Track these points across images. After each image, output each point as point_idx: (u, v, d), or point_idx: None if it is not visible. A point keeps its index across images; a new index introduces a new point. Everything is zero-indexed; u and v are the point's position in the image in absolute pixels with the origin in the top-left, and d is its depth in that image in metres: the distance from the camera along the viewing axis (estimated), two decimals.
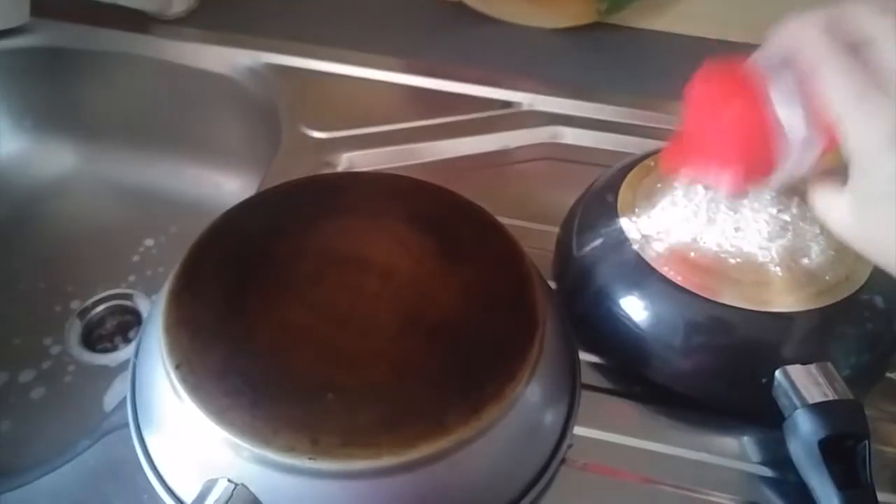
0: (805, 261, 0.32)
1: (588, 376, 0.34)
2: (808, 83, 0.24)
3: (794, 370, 0.29)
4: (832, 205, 0.25)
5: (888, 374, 0.34)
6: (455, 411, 0.25)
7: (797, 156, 0.26)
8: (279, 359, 0.27)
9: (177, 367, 0.26)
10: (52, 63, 0.54)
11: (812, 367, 0.29)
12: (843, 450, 0.28)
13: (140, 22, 0.54)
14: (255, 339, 0.28)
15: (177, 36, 0.54)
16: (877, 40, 0.22)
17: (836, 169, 0.25)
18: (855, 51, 0.23)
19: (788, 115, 0.25)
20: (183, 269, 0.30)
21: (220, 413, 0.25)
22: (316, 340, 0.28)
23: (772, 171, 0.27)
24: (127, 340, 0.49)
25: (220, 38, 0.53)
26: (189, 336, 0.27)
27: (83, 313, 0.49)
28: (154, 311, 0.29)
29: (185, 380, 0.26)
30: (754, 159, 0.27)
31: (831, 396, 0.28)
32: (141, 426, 0.28)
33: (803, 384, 0.29)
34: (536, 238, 0.40)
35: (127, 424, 0.28)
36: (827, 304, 0.31)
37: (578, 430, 0.31)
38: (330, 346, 0.28)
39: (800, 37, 0.24)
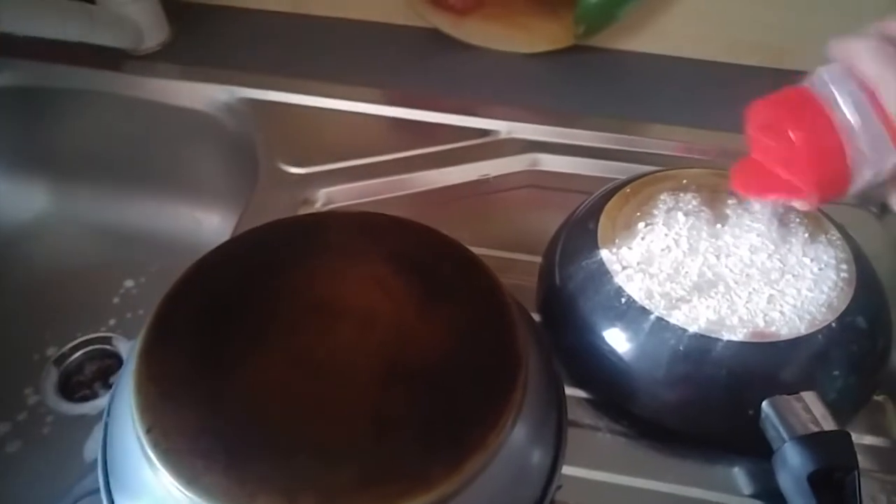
0: (786, 285, 0.32)
1: (575, 412, 0.33)
2: (874, 93, 0.25)
3: (780, 401, 0.29)
4: None
5: (875, 398, 0.34)
6: (438, 465, 0.25)
7: (874, 165, 0.26)
8: (255, 416, 0.26)
9: (148, 432, 0.25)
10: (23, 103, 0.53)
11: (798, 398, 0.29)
12: (833, 482, 0.28)
13: (112, 59, 0.54)
14: (229, 395, 0.27)
15: (151, 72, 0.53)
16: None
17: None
18: None
19: (857, 125, 0.26)
20: (154, 324, 0.29)
21: (194, 479, 0.24)
22: (293, 394, 0.27)
23: (849, 183, 0.27)
24: (107, 386, 0.47)
25: (195, 73, 0.53)
26: (161, 395, 0.26)
27: (60, 360, 0.48)
28: (125, 369, 0.29)
29: (156, 444, 0.25)
30: (829, 176, 0.27)
31: (818, 428, 0.28)
32: (113, 492, 0.27)
33: (790, 416, 0.29)
34: (520, 268, 0.39)
35: (98, 490, 0.27)
36: (811, 330, 0.30)
37: (567, 470, 0.31)
38: (307, 400, 0.27)
39: (858, 49, 0.25)
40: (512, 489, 0.28)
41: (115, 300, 0.52)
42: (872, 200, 0.35)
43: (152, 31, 0.55)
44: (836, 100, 0.26)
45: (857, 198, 0.31)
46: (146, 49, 0.55)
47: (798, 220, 0.35)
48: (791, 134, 0.27)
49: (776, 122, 0.28)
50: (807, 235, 0.34)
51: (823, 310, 0.31)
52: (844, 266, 0.33)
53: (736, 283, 0.32)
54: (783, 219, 0.35)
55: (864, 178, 0.27)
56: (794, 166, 0.28)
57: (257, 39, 0.58)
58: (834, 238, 0.34)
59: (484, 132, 0.48)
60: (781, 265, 0.33)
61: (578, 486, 0.31)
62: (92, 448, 0.43)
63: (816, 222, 0.35)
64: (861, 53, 0.25)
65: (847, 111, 0.26)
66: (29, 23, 0.48)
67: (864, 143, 0.26)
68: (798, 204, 0.30)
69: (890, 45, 0.25)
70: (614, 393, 0.33)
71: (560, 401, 0.32)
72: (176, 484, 0.24)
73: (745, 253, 0.33)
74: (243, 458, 0.25)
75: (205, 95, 0.51)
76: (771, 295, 0.31)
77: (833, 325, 0.30)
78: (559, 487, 0.30)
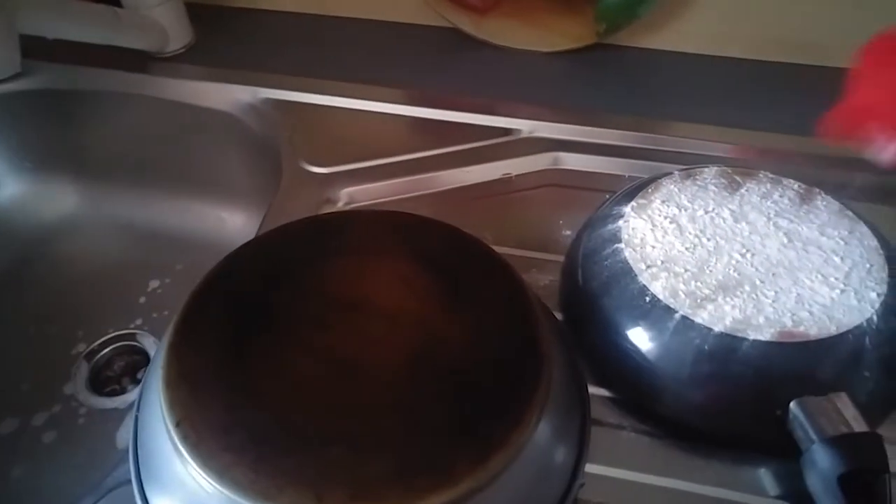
0: (815, 284, 0.31)
1: (598, 411, 0.33)
2: None
3: (810, 402, 0.29)
4: None
5: None
6: (463, 460, 0.25)
7: None
8: (282, 410, 0.26)
9: (177, 425, 0.26)
10: (51, 105, 0.55)
11: (828, 399, 0.29)
12: (863, 484, 0.27)
13: (138, 61, 0.55)
14: (257, 390, 0.27)
15: (175, 73, 0.54)
16: None
17: None
18: None
19: None
20: (182, 320, 0.29)
21: (223, 472, 0.24)
22: (318, 389, 0.27)
23: None
24: (135, 381, 0.48)
25: (219, 74, 0.53)
26: (189, 390, 0.27)
27: (90, 355, 0.49)
28: (154, 364, 0.29)
29: (186, 437, 0.25)
30: None
31: (848, 429, 0.27)
32: (144, 483, 0.28)
33: (819, 417, 0.28)
34: (542, 268, 0.39)
35: (130, 481, 0.28)
36: (841, 330, 0.30)
37: (590, 468, 0.31)
38: (334, 395, 0.27)
39: None
40: (536, 485, 0.28)
41: (142, 299, 0.53)
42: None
43: (177, 34, 0.56)
44: None
45: None
46: (171, 51, 0.56)
47: (829, 218, 0.34)
48: None
49: (888, 63, 0.27)
50: (837, 235, 0.34)
51: (854, 310, 0.30)
52: (877, 266, 0.32)
53: (762, 282, 0.32)
54: (812, 218, 0.34)
55: None
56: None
57: (279, 40, 0.59)
58: (866, 238, 0.34)
59: (505, 131, 0.48)
60: (810, 264, 0.32)
61: (601, 483, 0.31)
62: (123, 436, 0.44)
63: (848, 222, 0.35)
64: None
65: None
66: (58, 26, 0.50)
67: None
68: (892, 147, 0.28)
69: None
70: (638, 392, 0.33)
71: (583, 399, 0.32)
72: (205, 476, 0.24)
73: (772, 252, 0.33)
74: (271, 452, 0.25)
75: (228, 96, 0.52)
76: (799, 294, 0.31)
77: (864, 325, 0.30)
78: (582, 485, 0.30)
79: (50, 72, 0.54)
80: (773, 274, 0.32)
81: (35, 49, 0.52)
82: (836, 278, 0.32)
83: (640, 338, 0.32)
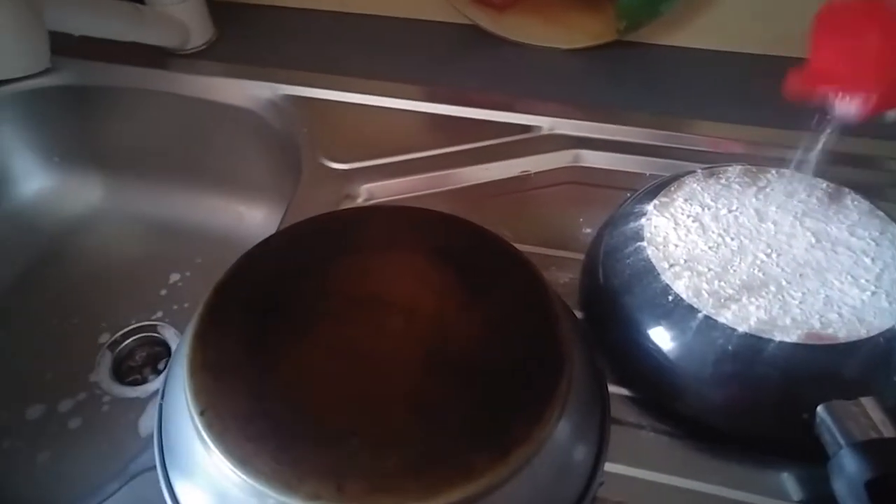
0: (844, 286, 0.31)
1: (618, 410, 0.33)
2: None
3: (838, 406, 0.28)
4: None
5: None
6: (483, 455, 0.25)
7: None
8: (303, 402, 0.27)
9: (202, 414, 0.26)
10: (78, 101, 0.56)
11: (856, 403, 0.28)
12: (891, 489, 0.27)
13: (160, 57, 0.56)
14: (278, 382, 0.27)
15: (197, 70, 0.55)
16: None
17: None
18: None
19: None
20: (206, 312, 0.30)
21: (245, 461, 0.24)
22: (339, 382, 0.28)
23: None
24: (156, 371, 0.49)
25: (239, 70, 0.54)
26: (213, 380, 0.27)
27: (113, 346, 0.50)
28: (178, 354, 0.30)
29: (210, 426, 0.25)
30: (891, 82, 0.27)
31: (877, 434, 0.27)
32: (168, 469, 0.28)
33: (847, 421, 0.28)
34: (562, 265, 0.39)
35: (154, 466, 0.28)
36: (871, 333, 0.29)
37: (609, 467, 0.31)
38: (353, 389, 0.27)
39: None
40: (555, 483, 0.27)
41: (163, 292, 0.53)
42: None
43: (198, 30, 0.57)
44: None
45: None
46: (192, 48, 0.57)
47: (858, 218, 0.34)
48: (866, 33, 0.27)
49: (849, 23, 0.28)
50: (868, 235, 0.33)
51: (885, 312, 0.30)
52: None
53: (788, 282, 0.31)
54: (842, 218, 0.34)
55: None
56: (862, 65, 0.28)
57: (300, 37, 0.59)
58: None
59: (525, 128, 0.48)
60: (839, 265, 0.32)
61: (621, 482, 0.30)
62: (146, 424, 0.45)
63: (879, 222, 0.34)
64: None
65: None
66: (85, 22, 0.50)
67: None
68: (852, 106, 0.29)
69: None
70: (658, 391, 0.33)
71: (603, 397, 0.32)
72: (229, 465, 0.24)
73: (799, 252, 0.32)
74: (292, 443, 0.25)
75: (249, 93, 0.53)
76: (828, 296, 0.30)
77: (895, 328, 0.29)
78: (601, 483, 0.30)
79: (76, 68, 0.55)
80: (801, 275, 0.32)
81: (61, 46, 0.53)
82: (867, 280, 0.31)
83: (662, 337, 0.32)
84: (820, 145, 0.33)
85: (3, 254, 0.55)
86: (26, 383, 0.47)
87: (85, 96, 0.55)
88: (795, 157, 0.35)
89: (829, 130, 0.32)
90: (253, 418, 0.26)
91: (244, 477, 0.24)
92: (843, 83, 0.29)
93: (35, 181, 0.58)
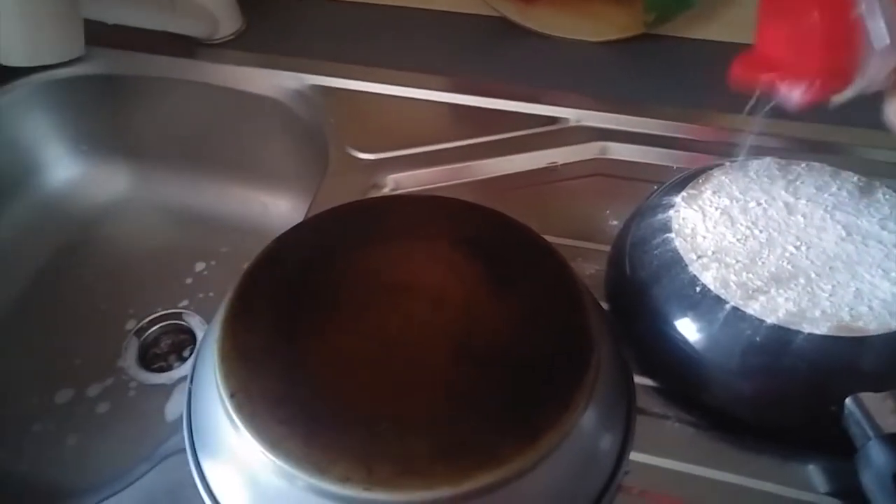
0: (875, 279, 0.31)
1: (643, 400, 0.33)
2: None
3: (867, 398, 0.28)
4: None
5: None
6: (511, 441, 0.25)
7: (877, 65, 0.26)
8: (332, 387, 0.27)
9: (232, 396, 0.26)
10: (107, 90, 0.56)
11: (886, 395, 0.28)
12: None
13: (189, 47, 0.56)
14: (308, 366, 0.28)
15: (224, 59, 0.55)
16: None
17: None
18: None
19: (872, 22, 0.25)
20: (236, 297, 0.30)
21: (276, 443, 0.25)
22: (368, 368, 0.28)
23: (850, 80, 0.26)
24: (181, 359, 0.50)
25: (267, 60, 0.54)
26: (244, 364, 0.28)
27: (139, 332, 0.51)
28: (208, 338, 0.30)
29: (240, 408, 0.26)
30: (834, 67, 0.27)
31: None
32: (198, 451, 0.29)
33: (877, 413, 0.28)
34: (588, 257, 0.39)
35: (184, 449, 0.29)
36: None
37: (635, 457, 0.31)
38: (382, 374, 0.28)
39: None
40: (581, 470, 0.28)
41: (189, 280, 0.54)
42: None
43: (227, 20, 0.57)
44: None
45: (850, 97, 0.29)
46: (220, 37, 0.57)
47: (890, 212, 0.33)
48: (808, 13, 0.26)
49: (791, 3, 0.27)
50: None
51: None
52: None
53: (818, 275, 0.31)
54: (872, 211, 0.33)
55: (864, 77, 0.26)
56: (805, 49, 0.27)
57: (326, 28, 0.60)
58: None
59: (552, 120, 0.48)
60: (870, 259, 0.31)
61: (645, 472, 0.30)
62: (172, 409, 0.46)
63: None
64: None
65: (864, 8, 0.25)
66: (117, 10, 0.51)
67: (874, 42, 0.25)
68: (796, 93, 0.29)
69: None
70: (685, 382, 0.33)
71: (629, 387, 0.32)
72: (259, 447, 0.25)
73: (828, 245, 0.32)
74: (322, 426, 0.26)
75: (276, 83, 0.53)
76: (858, 289, 0.30)
77: None
78: (627, 472, 0.30)
79: (106, 57, 0.56)
80: (831, 268, 0.31)
81: (95, 35, 0.54)
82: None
83: (689, 328, 0.32)
84: (757, 129, 0.32)
85: (33, 241, 0.56)
86: (55, 368, 0.48)
87: (114, 85, 0.56)
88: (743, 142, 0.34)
89: (765, 112, 0.31)
90: (283, 402, 0.26)
91: (274, 459, 0.25)
92: (785, 69, 0.28)
93: (63, 170, 0.59)
